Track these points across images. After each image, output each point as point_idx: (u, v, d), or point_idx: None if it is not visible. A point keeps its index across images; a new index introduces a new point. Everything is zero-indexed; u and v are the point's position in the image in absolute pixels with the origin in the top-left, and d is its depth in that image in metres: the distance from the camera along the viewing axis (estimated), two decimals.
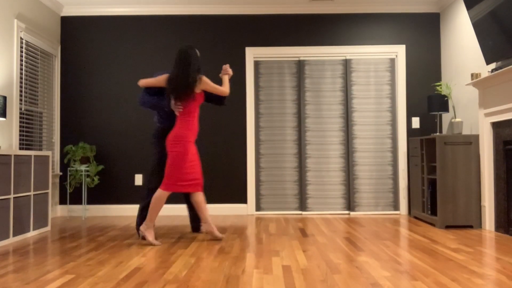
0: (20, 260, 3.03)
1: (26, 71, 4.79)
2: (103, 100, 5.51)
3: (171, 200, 5.43)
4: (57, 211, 5.42)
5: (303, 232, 4.09)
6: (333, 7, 5.48)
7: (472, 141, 4.36)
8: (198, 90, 3.62)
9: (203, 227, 3.77)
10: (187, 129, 3.59)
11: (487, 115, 4.23)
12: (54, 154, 5.39)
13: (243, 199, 5.44)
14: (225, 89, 3.75)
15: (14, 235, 3.75)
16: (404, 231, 4.14)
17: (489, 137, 4.21)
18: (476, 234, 3.95)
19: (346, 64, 5.51)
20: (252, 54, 5.51)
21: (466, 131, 4.80)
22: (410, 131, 5.45)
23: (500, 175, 4.06)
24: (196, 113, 3.67)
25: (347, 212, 5.43)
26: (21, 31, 4.64)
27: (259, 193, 5.46)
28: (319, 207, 5.42)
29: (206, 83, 3.64)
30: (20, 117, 4.69)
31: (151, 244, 3.54)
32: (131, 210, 5.41)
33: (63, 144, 5.46)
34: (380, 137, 5.46)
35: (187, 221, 4.83)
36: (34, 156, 4.07)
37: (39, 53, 5.07)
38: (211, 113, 5.48)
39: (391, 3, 5.41)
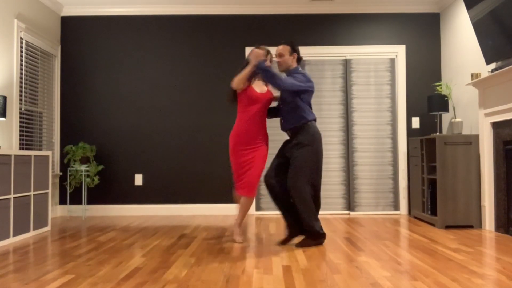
0: (20, 260, 3.03)
1: (26, 71, 4.79)
2: (103, 100, 5.51)
3: (171, 200, 5.43)
4: (57, 211, 5.42)
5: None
6: (333, 7, 5.48)
7: (472, 141, 4.35)
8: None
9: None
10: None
11: (487, 115, 4.23)
12: (54, 154, 5.39)
13: None
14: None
15: (14, 235, 3.75)
16: (404, 231, 4.14)
17: (489, 137, 4.21)
18: (476, 234, 3.95)
19: (346, 64, 5.51)
20: None
21: (466, 131, 4.80)
22: (410, 131, 5.44)
23: (500, 175, 4.06)
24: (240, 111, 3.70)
25: (347, 212, 5.43)
26: (21, 31, 4.64)
27: (259, 193, 5.46)
28: None
29: None
30: (20, 117, 4.69)
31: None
32: (131, 210, 5.41)
33: (63, 144, 5.46)
34: (380, 137, 5.46)
35: (187, 221, 4.83)
36: (34, 156, 4.07)
37: (39, 53, 5.07)
38: (212, 113, 5.48)
39: (391, 3, 5.41)
